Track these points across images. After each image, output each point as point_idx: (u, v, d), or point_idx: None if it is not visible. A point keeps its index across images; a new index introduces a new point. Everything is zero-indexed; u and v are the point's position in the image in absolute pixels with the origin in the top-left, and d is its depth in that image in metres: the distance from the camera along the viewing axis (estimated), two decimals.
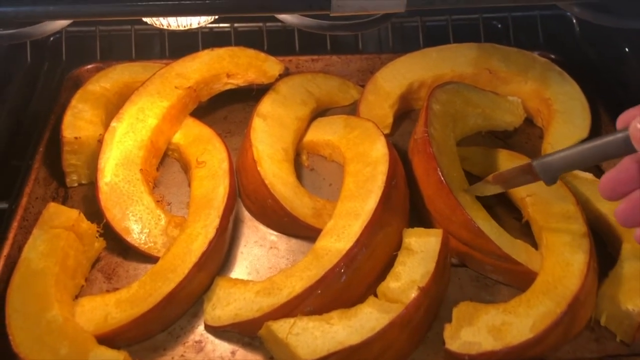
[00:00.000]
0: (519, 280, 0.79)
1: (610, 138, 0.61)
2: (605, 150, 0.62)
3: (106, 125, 0.91)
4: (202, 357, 0.73)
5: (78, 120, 0.91)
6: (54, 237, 0.76)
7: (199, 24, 0.84)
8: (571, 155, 0.68)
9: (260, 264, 0.83)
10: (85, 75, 1.05)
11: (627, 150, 0.57)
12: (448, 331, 0.72)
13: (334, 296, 0.74)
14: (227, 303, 0.75)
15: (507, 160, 0.91)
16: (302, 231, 0.86)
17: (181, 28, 0.85)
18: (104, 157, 0.86)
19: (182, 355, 0.73)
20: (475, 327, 0.71)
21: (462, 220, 0.79)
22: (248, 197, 0.89)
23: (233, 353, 0.73)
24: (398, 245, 0.79)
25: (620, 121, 0.58)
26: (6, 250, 0.77)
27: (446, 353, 0.71)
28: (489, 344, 0.69)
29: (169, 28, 0.85)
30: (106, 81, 0.98)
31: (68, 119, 0.91)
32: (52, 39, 1.26)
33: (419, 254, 0.76)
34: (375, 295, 0.74)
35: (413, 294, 0.71)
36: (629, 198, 0.57)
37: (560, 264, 0.75)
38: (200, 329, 0.76)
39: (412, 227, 0.80)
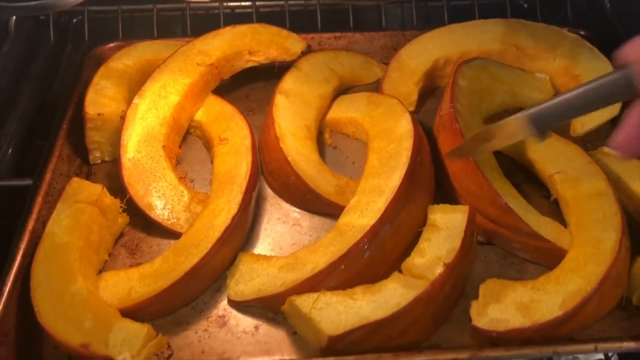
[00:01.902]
0: (547, 258, 0.77)
1: (610, 77, 0.53)
2: (604, 92, 0.55)
3: (129, 102, 0.91)
4: (226, 331, 0.73)
5: (101, 97, 0.91)
6: (78, 212, 0.76)
7: None
8: (565, 100, 0.60)
9: (283, 241, 0.83)
10: (108, 53, 1.05)
11: (629, 90, 0.49)
12: (475, 308, 0.70)
13: (357, 272, 0.73)
14: (250, 278, 0.75)
15: None
16: (325, 208, 0.85)
17: (202, 1, 0.83)
18: (127, 133, 0.86)
19: (205, 330, 0.73)
20: (503, 304, 0.69)
21: (489, 197, 0.78)
22: (271, 174, 0.89)
23: (256, 328, 0.73)
24: (423, 222, 0.77)
25: (621, 56, 0.49)
26: (31, 224, 0.77)
27: (473, 330, 0.70)
28: (517, 321, 0.67)
29: (191, 0, 0.83)
30: (128, 58, 0.98)
31: (91, 95, 0.91)
32: (75, 20, 1.26)
33: (444, 231, 0.74)
34: (400, 272, 0.73)
35: (438, 270, 0.70)
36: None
37: (591, 242, 0.73)
38: (224, 303, 0.75)
39: (436, 204, 0.79)
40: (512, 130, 0.69)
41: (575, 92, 0.58)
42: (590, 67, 0.98)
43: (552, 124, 0.64)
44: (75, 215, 0.76)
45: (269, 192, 0.89)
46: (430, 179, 0.83)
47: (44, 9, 0.82)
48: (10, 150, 1.01)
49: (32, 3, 0.82)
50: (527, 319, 0.67)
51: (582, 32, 1.07)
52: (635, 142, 0.50)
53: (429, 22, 1.29)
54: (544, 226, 0.77)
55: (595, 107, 0.58)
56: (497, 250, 0.81)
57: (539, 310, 0.68)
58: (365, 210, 0.76)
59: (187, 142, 0.95)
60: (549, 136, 0.64)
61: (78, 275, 0.71)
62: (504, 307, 0.69)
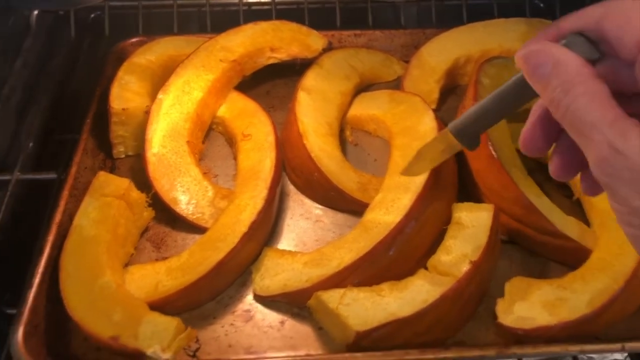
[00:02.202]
0: (571, 257, 0.77)
1: (510, 82, 0.53)
2: (508, 96, 0.53)
3: (152, 97, 0.91)
4: (252, 325, 0.73)
5: (125, 92, 0.91)
6: (105, 205, 0.77)
7: None
8: (479, 109, 0.58)
9: (307, 237, 0.83)
10: (130, 48, 1.05)
11: (527, 92, 0.48)
12: (501, 306, 0.70)
13: (383, 269, 0.73)
14: (276, 273, 0.75)
15: None
16: (348, 205, 0.85)
17: None
18: (151, 128, 0.86)
19: (231, 324, 0.73)
20: (529, 302, 0.70)
21: (513, 196, 0.78)
22: (293, 170, 0.89)
23: (282, 323, 0.73)
24: (447, 219, 0.78)
25: (516, 60, 0.48)
26: (58, 217, 0.78)
27: (498, 328, 0.70)
28: (543, 319, 0.68)
29: None
30: (151, 54, 0.98)
31: (115, 90, 0.91)
32: (92, 15, 1.27)
33: (470, 229, 0.74)
34: (426, 269, 0.73)
35: (465, 267, 0.70)
36: (556, 153, 0.49)
37: (617, 241, 0.73)
38: (249, 298, 0.76)
39: (460, 202, 0.79)
40: (443, 144, 0.69)
41: (486, 100, 0.57)
42: None
43: (474, 133, 0.63)
44: (102, 208, 0.76)
45: (291, 188, 0.89)
46: (454, 177, 0.84)
47: (73, 4, 0.82)
48: (31, 144, 1.01)
49: None
50: (553, 317, 0.68)
51: None
52: (534, 141, 0.50)
53: (445, 21, 1.29)
54: (569, 225, 0.77)
55: (506, 111, 0.57)
56: (520, 249, 0.81)
57: (566, 309, 0.68)
58: (390, 207, 0.76)
59: (209, 138, 0.96)
60: (476, 145, 0.64)
61: (106, 268, 0.71)
62: (530, 305, 0.69)
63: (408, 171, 0.77)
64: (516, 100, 0.53)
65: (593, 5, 0.44)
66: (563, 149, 0.49)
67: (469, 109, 0.61)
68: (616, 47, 0.42)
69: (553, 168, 0.50)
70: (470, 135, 0.63)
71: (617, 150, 0.38)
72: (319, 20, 1.16)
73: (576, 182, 0.84)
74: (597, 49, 0.44)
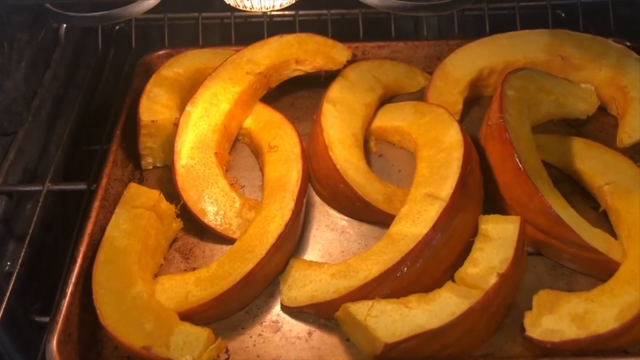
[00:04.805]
0: (598, 269, 0.77)
1: None
2: None
3: (181, 109, 0.93)
4: (280, 336, 0.74)
5: (154, 104, 0.93)
6: (136, 217, 0.78)
7: (281, 5, 0.83)
8: None
9: (333, 248, 0.84)
10: (156, 61, 1.07)
11: None
12: (529, 319, 0.71)
13: (410, 280, 0.74)
14: (303, 284, 0.76)
15: (583, 149, 0.89)
16: (373, 216, 0.86)
17: (261, 10, 0.84)
18: (180, 140, 0.88)
19: (260, 335, 0.74)
20: (557, 315, 0.70)
21: (540, 208, 0.78)
22: (319, 182, 0.90)
23: (310, 334, 0.74)
24: (474, 231, 0.78)
25: None
26: (89, 228, 0.79)
27: (526, 340, 0.70)
28: (572, 332, 0.68)
29: (251, 11, 0.84)
30: (178, 66, 1.00)
31: (144, 103, 0.93)
32: (117, 27, 1.29)
33: (497, 241, 0.75)
34: (453, 281, 0.73)
35: (492, 280, 0.71)
36: None
37: None
38: (277, 309, 0.77)
39: (485, 215, 0.79)
40: None
41: None
42: (638, 78, 0.97)
43: None
44: (133, 220, 0.78)
45: (316, 199, 0.90)
46: (480, 189, 0.84)
47: (108, 20, 0.85)
48: (58, 155, 1.03)
49: (98, 14, 0.85)
50: (582, 330, 0.67)
51: (627, 43, 1.07)
52: None
53: (467, 31, 1.30)
54: (596, 238, 0.77)
55: None
56: (546, 261, 0.81)
57: (594, 322, 0.68)
58: (417, 219, 0.77)
59: (235, 149, 0.97)
60: None
61: (138, 278, 0.73)
62: (559, 318, 0.69)
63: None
64: None
65: None
66: None
67: None
68: None
69: None
70: None
71: None
72: (341, 31, 1.17)
73: (604, 194, 0.84)
74: None
